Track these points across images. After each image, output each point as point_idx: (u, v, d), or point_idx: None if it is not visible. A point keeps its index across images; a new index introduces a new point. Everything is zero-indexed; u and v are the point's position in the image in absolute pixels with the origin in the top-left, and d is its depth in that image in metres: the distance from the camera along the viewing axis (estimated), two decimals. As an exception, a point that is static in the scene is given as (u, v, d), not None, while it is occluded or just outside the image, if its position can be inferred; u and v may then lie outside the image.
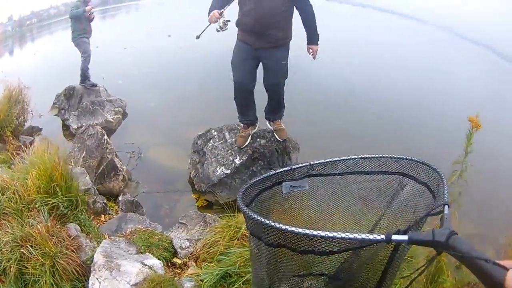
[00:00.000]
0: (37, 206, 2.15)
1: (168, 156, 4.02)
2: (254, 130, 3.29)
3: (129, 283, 1.84)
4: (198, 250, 2.25)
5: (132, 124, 4.95)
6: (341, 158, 1.23)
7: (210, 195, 3.20)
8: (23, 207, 2.16)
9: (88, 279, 1.86)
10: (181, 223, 2.62)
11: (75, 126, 4.59)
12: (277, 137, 3.25)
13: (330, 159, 1.24)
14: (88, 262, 2.01)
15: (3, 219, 2.11)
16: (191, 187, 3.42)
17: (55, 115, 5.23)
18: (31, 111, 4.71)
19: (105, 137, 3.56)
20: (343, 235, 0.75)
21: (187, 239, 2.40)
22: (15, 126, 4.30)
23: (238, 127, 3.36)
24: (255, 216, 0.86)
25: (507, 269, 0.52)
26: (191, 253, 2.28)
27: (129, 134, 4.59)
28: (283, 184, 1.26)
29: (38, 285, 1.86)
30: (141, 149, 4.06)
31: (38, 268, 1.86)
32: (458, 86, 6.16)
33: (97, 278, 1.84)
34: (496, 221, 3.02)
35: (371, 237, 0.74)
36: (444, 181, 0.96)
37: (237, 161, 3.16)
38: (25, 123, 4.67)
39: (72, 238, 2.09)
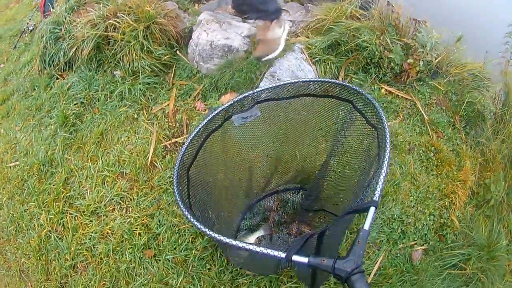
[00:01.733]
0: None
1: None
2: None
3: (241, 34, 1.97)
4: (302, 28, 2.25)
5: None
6: (288, 82, 1.20)
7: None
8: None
9: (187, 44, 1.98)
10: (282, 9, 2.41)
11: None
12: None
13: (276, 84, 1.21)
14: (186, 30, 2.11)
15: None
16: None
17: None
18: None
19: None
20: (246, 246, 0.79)
21: (290, 20, 2.37)
22: None
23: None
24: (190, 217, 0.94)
25: None
26: (293, 32, 2.28)
27: None
28: (233, 117, 1.25)
29: (123, 53, 2.02)
30: None
31: (128, 34, 1.98)
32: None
33: (204, 30, 1.96)
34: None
35: (271, 253, 0.76)
36: (387, 143, 0.92)
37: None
38: None
39: (170, 10, 2.14)
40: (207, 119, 1.19)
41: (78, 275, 1.76)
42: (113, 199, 1.74)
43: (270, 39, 1.84)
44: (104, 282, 1.68)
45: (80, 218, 1.79)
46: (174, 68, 2.09)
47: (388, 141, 0.92)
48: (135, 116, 1.96)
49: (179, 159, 1.12)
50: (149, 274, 1.60)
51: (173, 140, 1.80)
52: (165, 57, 2.07)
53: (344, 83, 1.14)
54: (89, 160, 1.89)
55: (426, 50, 2.03)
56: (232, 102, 1.21)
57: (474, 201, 1.83)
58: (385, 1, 2.14)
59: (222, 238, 0.83)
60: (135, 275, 1.62)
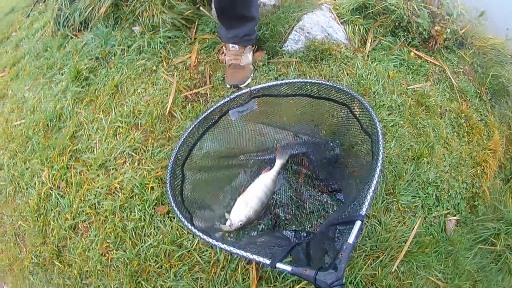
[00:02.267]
0: None
1: None
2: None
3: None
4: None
5: None
6: (285, 81, 1.22)
7: None
8: None
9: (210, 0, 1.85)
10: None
11: None
12: None
13: (273, 83, 1.23)
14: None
15: None
16: None
17: None
18: None
19: None
20: (238, 251, 0.83)
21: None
22: None
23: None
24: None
25: None
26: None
27: None
28: (230, 112, 1.26)
29: (142, 8, 1.91)
30: None
31: None
32: None
33: None
34: None
35: (257, 259, 0.81)
36: (380, 155, 0.90)
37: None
38: None
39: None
40: (202, 116, 1.22)
41: (78, 236, 1.55)
42: (124, 151, 1.55)
43: (243, 65, 1.66)
44: (107, 244, 1.46)
45: (86, 173, 1.60)
46: (196, 23, 1.94)
47: (381, 152, 0.90)
48: (154, 68, 1.80)
49: (174, 156, 1.16)
50: (160, 234, 1.38)
51: (195, 91, 1.62)
52: (188, 12, 1.93)
53: (340, 87, 1.12)
54: (101, 112, 1.71)
55: (453, 18, 2.05)
56: (228, 99, 1.22)
57: (502, 174, 1.82)
58: (411, -32, 2.12)
59: (210, 240, 0.89)
60: (144, 235, 1.40)
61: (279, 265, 0.77)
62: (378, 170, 0.86)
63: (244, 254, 0.81)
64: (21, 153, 1.89)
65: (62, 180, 1.64)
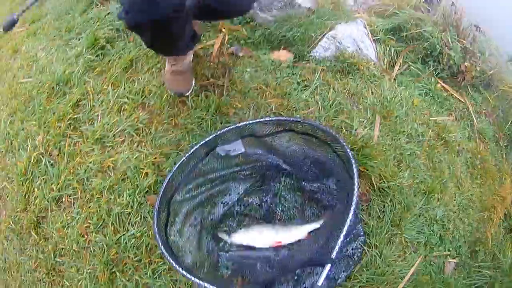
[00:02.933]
0: None
1: None
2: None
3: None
4: (363, 8, 2.26)
5: None
6: (273, 118, 1.26)
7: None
8: None
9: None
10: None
11: None
12: None
13: (261, 120, 1.23)
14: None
15: None
16: None
17: None
18: None
19: None
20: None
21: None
22: None
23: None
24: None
25: None
26: (354, 10, 2.23)
27: None
28: (217, 149, 1.24)
29: None
30: None
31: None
32: None
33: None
34: None
35: None
36: (352, 205, 0.90)
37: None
38: None
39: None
40: (190, 152, 1.20)
41: (60, 210, 1.45)
42: (125, 129, 1.45)
43: (185, 71, 1.45)
44: (87, 225, 1.36)
45: (81, 144, 1.50)
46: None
47: (354, 203, 0.90)
48: (174, 49, 1.70)
49: (162, 190, 1.15)
50: (146, 226, 1.28)
51: (212, 81, 1.52)
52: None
53: (325, 129, 1.13)
54: (110, 85, 1.62)
55: (484, 57, 2.08)
56: (214, 135, 1.21)
57: (506, 223, 1.78)
58: (449, 0, 2.21)
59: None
60: (128, 223, 1.30)
61: None
62: (348, 219, 0.87)
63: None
64: (21, 112, 1.80)
65: (56, 148, 1.55)
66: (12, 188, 1.63)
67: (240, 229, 1.18)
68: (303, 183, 1.26)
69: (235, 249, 1.19)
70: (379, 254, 1.27)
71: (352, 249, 1.25)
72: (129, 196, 1.31)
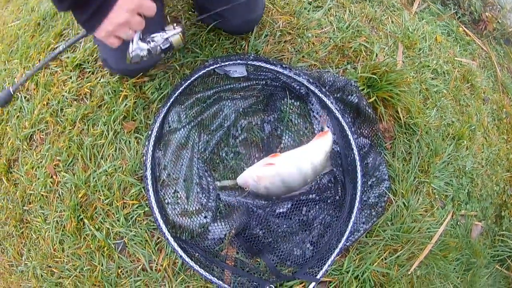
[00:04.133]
0: None
1: None
2: None
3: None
4: None
5: None
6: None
7: None
8: None
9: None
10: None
11: None
12: None
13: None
14: None
15: None
16: None
17: None
18: None
19: None
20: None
21: None
22: None
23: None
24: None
25: None
26: None
27: None
28: (216, 69, 0.99)
29: None
30: None
31: None
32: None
33: None
34: None
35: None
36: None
37: None
38: None
39: None
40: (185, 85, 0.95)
41: (32, 149, 1.22)
42: (107, 52, 1.20)
43: None
44: (56, 163, 1.11)
45: (59, 73, 1.27)
46: None
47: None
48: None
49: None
50: (120, 159, 1.01)
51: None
52: None
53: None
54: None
55: (504, 11, 2.03)
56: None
57: None
58: None
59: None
60: (101, 157, 1.04)
61: None
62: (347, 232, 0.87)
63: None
64: (5, 53, 1.62)
65: (33, 82, 1.33)
66: (-12, 133, 1.43)
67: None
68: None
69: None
70: (405, 205, 1.09)
71: (375, 197, 0.97)
72: (104, 124, 1.05)
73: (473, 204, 1.37)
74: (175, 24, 0.80)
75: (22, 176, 1.21)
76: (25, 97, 1.32)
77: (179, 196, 0.90)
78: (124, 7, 0.65)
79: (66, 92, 1.19)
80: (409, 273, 1.08)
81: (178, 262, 0.93)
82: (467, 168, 1.37)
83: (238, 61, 0.95)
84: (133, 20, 0.68)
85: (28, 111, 1.27)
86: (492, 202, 1.45)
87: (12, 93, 0.87)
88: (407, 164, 1.16)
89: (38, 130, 1.21)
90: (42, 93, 1.26)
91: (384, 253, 1.05)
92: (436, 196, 1.23)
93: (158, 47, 0.77)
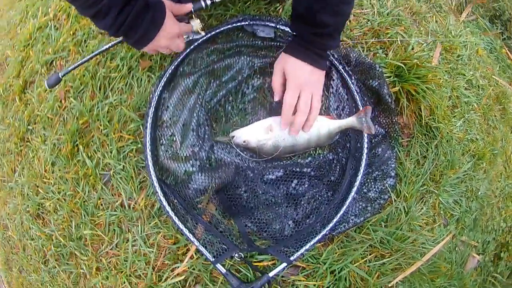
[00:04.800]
0: None
1: None
2: None
3: None
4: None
5: None
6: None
7: None
8: None
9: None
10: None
11: None
12: None
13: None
14: None
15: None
16: None
17: None
18: None
19: None
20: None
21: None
22: None
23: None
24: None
25: None
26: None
27: None
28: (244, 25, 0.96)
29: None
30: None
31: None
32: None
33: None
34: None
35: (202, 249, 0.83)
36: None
37: None
38: None
39: None
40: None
41: (49, 74, 1.25)
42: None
43: None
44: (68, 89, 1.14)
45: (91, 9, 1.30)
46: None
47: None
48: None
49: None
50: (128, 94, 1.02)
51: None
52: None
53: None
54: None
55: None
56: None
57: None
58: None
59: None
60: (110, 88, 1.05)
61: (218, 266, 0.81)
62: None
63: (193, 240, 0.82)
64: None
65: (65, 13, 1.37)
66: (13, 55, 1.47)
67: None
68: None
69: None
70: (405, 210, 1.01)
71: (376, 191, 0.91)
72: (121, 59, 1.06)
73: (477, 234, 1.29)
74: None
75: (34, 98, 1.24)
76: (54, 26, 1.36)
77: (174, 139, 0.89)
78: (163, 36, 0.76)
79: (93, 25, 1.22)
80: (389, 285, 0.98)
81: (155, 206, 0.92)
82: (479, 193, 1.28)
83: (267, 23, 0.94)
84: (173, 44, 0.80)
85: (54, 38, 1.31)
86: (495, 239, 1.37)
87: (61, 77, 0.92)
88: (419, 168, 1.08)
89: (59, 56, 1.24)
90: (71, 23, 1.30)
91: (370, 255, 0.96)
92: (441, 212, 1.14)
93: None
